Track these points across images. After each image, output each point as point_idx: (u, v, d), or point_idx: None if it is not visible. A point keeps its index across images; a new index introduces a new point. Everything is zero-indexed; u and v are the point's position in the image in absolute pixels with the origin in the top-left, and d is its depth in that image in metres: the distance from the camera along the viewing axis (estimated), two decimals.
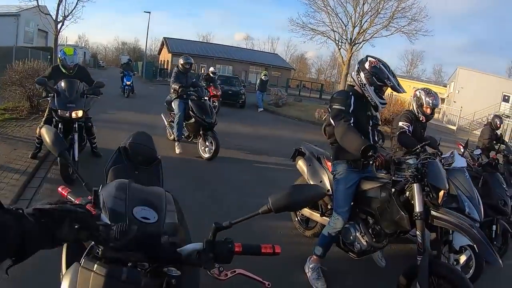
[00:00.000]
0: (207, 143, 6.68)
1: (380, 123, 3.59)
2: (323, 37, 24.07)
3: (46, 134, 1.52)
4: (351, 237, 3.18)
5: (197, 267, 1.13)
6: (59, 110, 4.61)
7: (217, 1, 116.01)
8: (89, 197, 1.25)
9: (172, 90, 7.02)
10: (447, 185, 2.80)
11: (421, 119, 4.34)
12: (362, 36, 22.86)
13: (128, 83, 15.50)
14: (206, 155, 6.64)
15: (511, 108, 28.59)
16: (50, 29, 22.05)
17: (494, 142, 6.83)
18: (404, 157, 3.08)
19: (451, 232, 3.07)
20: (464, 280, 2.50)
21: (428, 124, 5.09)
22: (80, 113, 4.68)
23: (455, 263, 3.23)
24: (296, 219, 4.17)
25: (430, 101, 4.26)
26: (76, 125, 4.69)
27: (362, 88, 3.09)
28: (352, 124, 2.91)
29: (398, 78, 3.12)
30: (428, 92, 4.35)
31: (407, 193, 2.84)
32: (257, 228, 3.79)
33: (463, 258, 3.31)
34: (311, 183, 3.70)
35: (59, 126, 4.66)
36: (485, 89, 28.08)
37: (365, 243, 3.11)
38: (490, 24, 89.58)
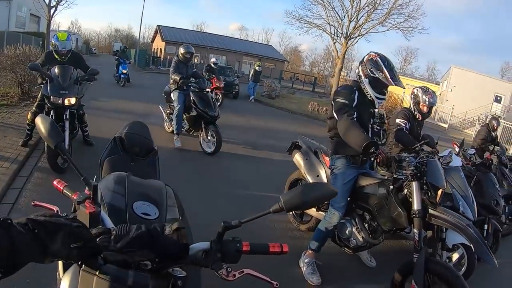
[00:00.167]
0: (208, 137, 6.45)
1: (385, 121, 3.58)
2: (318, 30, 23.95)
3: (41, 124, 1.39)
4: (347, 232, 3.19)
5: (205, 267, 1.09)
6: (51, 97, 4.49)
7: None
8: (87, 192, 1.20)
9: (172, 81, 6.66)
10: (445, 184, 2.81)
11: (417, 117, 4.34)
12: (358, 31, 22.78)
13: (124, 71, 14.89)
14: (208, 150, 6.41)
15: (502, 109, 28.89)
16: (43, 14, 21.60)
17: (489, 143, 6.88)
18: (400, 154, 3.09)
19: (444, 230, 3.08)
20: (459, 279, 2.52)
21: None
22: (73, 100, 4.58)
23: (447, 260, 3.25)
24: (291, 213, 4.15)
25: (427, 99, 4.25)
26: (68, 113, 4.58)
27: (359, 81, 3.10)
28: (355, 119, 2.91)
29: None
30: (425, 90, 4.34)
31: (405, 190, 2.85)
32: (251, 222, 3.76)
33: (455, 256, 3.35)
34: (308, 177, 3.70)
35: (51, 113, 4.55)
36: (478, 89, 28.30)
37: (361, 239, 3.12)
38: (485, 25, 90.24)
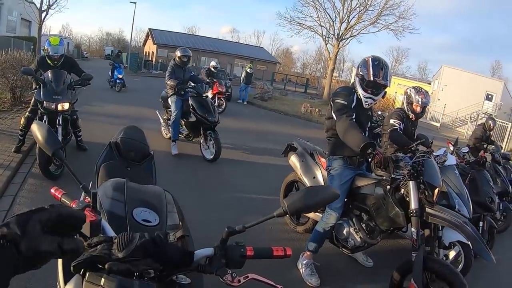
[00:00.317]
0: (208, 144, 6.27)
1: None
2: (310, 32, 24.13)
3: (38, 131, 1.36)
4: (345, 233, 3.21)
5: (209, 273, 1.07)
6: (44, 102, 4.44)
7: None
8: (87, 200, 1.19)
9: (168, 87, 6.42)
10: (441, 183, 2.83)
11: (411, 117, 4.36)
12: (350, 32, 22.95)
13: (120, 76, 14.44)
14: (208, 157, 6.22)
15: (494, 107, 29.19)
16: (34, 18, 21.34)
17: (483, 142, 6.94)
18: (396, 154, 3.11)
19: (440, 228, 3.10)
20: (457, 275, 2.55)
21: None
22: (66, 105, 4.53)
23: (444, 258, 3.27)
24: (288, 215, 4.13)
25: (420, 99, 4.28)
26: (61, 118, 4.54)
27: (354, 80, 3.14)
28: (353, 120, 2.94)
29: None
30: (418, 91, 4.37)
31: (402, 190, 2.88)
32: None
33: (452, 254, 3.36)
34: (304, 179, 3.70)
35: (44, 118, 4.50)
36: (469, 87, 28.59)
37: (359, 239, 3.13)
38: (475, 24, 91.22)
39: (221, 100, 12.43)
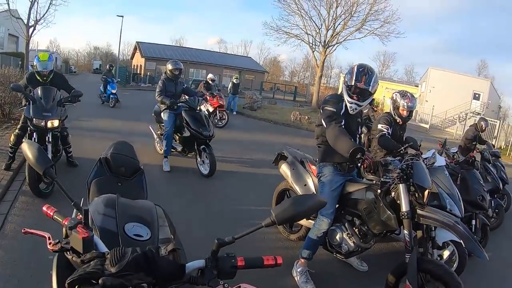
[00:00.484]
0: (203, 159, 6.07)
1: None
2: (297, 40, 24.29)
3: (28, 150, 1.40)
4: (338, 239, 3.22)
5: (201, 285, 1.09)
6: (34, 119, 4.40)
7: (190, 5, 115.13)
8: (78, 217, 1.19)
9: (160, 103, 6.29)
10: (431, 185, 2.87)
11: (398, 121, 4.41)
12: (336, 39, 23.18)
13: (114, 91, 13.94)
14: (204, 172, 6.02)
15: (481, 106, 29.58)
16: (21, 33, 21.31)
17: (474, 143, 7.05)
18: (385, 158, 3.16)
19: (433, 229, 3.13)
20: (452, 275, 2.58)
21: None
22: (56, 122, 4.50)
23: (438, 258, 3.30)
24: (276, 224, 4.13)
25: (405, 104, 4.33)
26: (50, 135, 4.50)
27: (342, 88, 3.20)
28: (343, 126, 2.98)
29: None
30: (403, 95, 4.41)
31: (393, 193, 2.91)
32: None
33: (446, 253, 3.40)
34: (296, 187, 3.72)
35: (34, 135, 4.47)
36: (456, 88, 28.95)
37: (352, 244, 3.15)
38: (458, 25, 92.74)
39: (222, 113, 12.19)
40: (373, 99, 3.21)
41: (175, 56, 38.50)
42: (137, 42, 46.55)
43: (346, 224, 3.22)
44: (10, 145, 5.02)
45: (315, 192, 3.47)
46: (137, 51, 46.98)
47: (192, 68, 41.52)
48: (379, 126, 4.24)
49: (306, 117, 16.10)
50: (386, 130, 4.16)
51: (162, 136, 6.50)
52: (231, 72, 41.71)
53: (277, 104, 23.42)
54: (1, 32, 27.09)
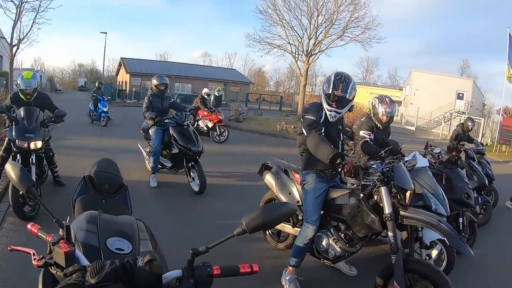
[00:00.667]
0: (192, 176, 5.93)
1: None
2: (279, 51, 24.50)
3: (11, 170, 1.46)
4: (324, 244, 3.25)
5: None
6: (16, 140, 4.35)
7: (173, 19, 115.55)
8: (61, 233, 1.23)
9: (147, 119, 6.17)
10: (412, 186, 2.92)
11: (378, 126, 4.47)
12: (318, 47, 23.44)
13: (105, 109, 13.59)
14: (195, 189, 5.86)
15: (465, 105, 30.10)
16: (5, 53, 21.17)
17: (462, 142, 7.17)
18: (368, 162, 3.20)
19: (420, 229, 3.17)
20: (439, 273, 2.61)
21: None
22: (39, 143, 4.45)
23: (427, 258, 3.35)
24: (268, 233, 4.15)
25: (383, 110, 4.40)
26: (34, 157, 4.43)
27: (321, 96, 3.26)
28: (323, 134, 3.03)
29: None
30: (381, 100, 4.47)
31: (376, 196, 2.95)
32: (231, 247, 3.78)
33: (434, 253, 3.45)
34: (280, 196, 3.75)
35: (17, 157, 4.41)
36: (440, 89, 29.51)
37: (339, 249, 3.18)
38: (438, 27, 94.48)
39: (222, 128, 12.01)
40: (352, 106, 3.26)
41: (160, 71, 38.47)
42: (122, 58, 46.46)
43: (331, 230, 3.24)
44: None
45: (299, 200, 3.50)
46: (122, 67, 46.83)
47: (177, 83, 41.52)
48: (361, 133, 4.30)
49: (292, 126, 16.22)
50: (368, 136, 4.22)
51: (150, 153, 6.36)
52: (216, 85, 41.71)
53: (263, 115, 23.48)
54: None
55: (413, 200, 3.39)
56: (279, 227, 3.88)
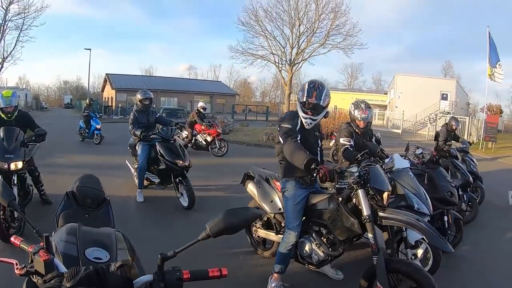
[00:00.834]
0: (181, 192, 5.83)
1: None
2: (263, 61, 24.78)
3: None
4: (307, 250, 3.28)
5: None
6: None
7: (156, 34, 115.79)
8: (41, 244, 1.28)
9: (134, 136, 6.14)
10: (389, 187, 2.97)
11: (357, 131, 4.54)
12: (301, 56, 23.81)
13: (98, 126, 13.27)
14: (185, 204, 5.75)
15: (450, 105, 30.57)
16: None
17: (449, 142, 7.29)
18: (348, 167, 3.25)
19: (404, 229, 3.21)
20: (421, 271, 2.64)
21: (374, 131, 5.34)
22: (19, 164, 4.37)
23: (413, 257, 3.38)
24: (253, 241, 4.17)
25: (359, 116, 4.47)
26: (16, 178, 4.37)
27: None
28: (299, 141, 3.07)
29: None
30: (357, 106, 4.53)
31: (354, 199, 2.99)
32: (217, 255, 3.83)
33: (420, 252, 3.46)
34: (263, 204, 3.78)
35: None
36: (424, 90, 29.95)
37: (321, 253, 3.21)
38: (419, 30, 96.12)
39: (221, 142, 11.94)
40: (328, 112, 3.31)
41: (145, 85, 38.43)
42: (107, 74, 46.52)
43: (313, 235, 3.27)
44: None
45: (281, 208, 3.53)
46: (107, 83, 46.84)
47: (163, 97, 41.62)
48: (341, 140, 4.38)
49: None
50: (348, 143, 4.31)
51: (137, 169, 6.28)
52: (202, 98, 41.99)
53: (249, 126, 23.54)
54: None
55: (395, 201, 3.48)
56: (263, 235, 3.93)
